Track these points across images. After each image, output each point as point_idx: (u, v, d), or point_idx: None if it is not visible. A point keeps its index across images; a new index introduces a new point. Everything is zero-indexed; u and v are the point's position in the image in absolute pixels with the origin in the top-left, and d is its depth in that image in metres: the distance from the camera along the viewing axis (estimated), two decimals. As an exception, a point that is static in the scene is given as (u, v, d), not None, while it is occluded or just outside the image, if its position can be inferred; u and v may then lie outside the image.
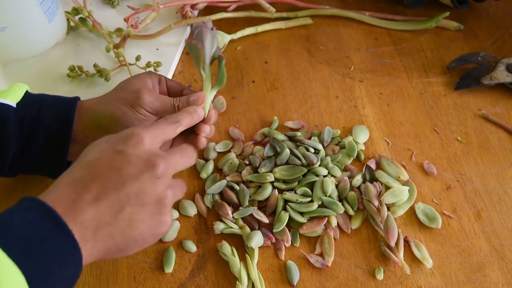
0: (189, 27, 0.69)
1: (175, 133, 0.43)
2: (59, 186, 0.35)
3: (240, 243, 0.48)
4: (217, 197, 0.52)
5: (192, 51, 0.49)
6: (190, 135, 0.49)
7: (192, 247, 0.48)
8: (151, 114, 0.47)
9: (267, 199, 0.50)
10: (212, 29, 0.49)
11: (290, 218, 0.49)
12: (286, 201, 0.50)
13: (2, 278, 0.28)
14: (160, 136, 0.41)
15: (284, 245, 0.48)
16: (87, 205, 0.34)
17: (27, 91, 0.47)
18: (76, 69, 0.61)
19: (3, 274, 0.28)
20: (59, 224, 0.32)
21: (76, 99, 0.48)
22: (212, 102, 0.60)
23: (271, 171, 0.51)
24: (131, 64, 0.61)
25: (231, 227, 0.49)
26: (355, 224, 0.49)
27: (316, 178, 0.51)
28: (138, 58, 0.62)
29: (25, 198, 0.34)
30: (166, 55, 0.65)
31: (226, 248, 0.47)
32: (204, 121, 0.48)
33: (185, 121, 0.44)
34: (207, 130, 0.48)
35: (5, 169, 0.45)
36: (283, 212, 0.49)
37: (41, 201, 0.33)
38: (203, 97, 0.47)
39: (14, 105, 0.45)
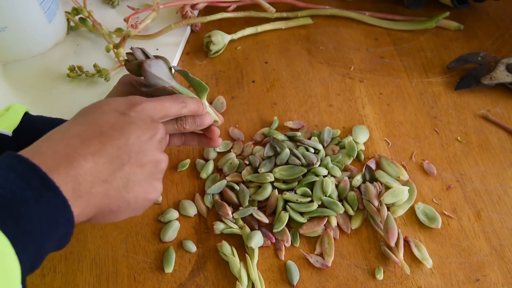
0: (189, 27, 0.69)
1: (178, 113, 0.42)
2: (51, 140, 0.33)
3: (240, 243, 0.48)
4: (217, 197, 0.52)
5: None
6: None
7: (192, 247, 0.48)
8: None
9: (267, 199, 0.50)
10: (148, 57, 0.45)
11: (290, 218, 0.49)
12: (286, 201, 0.50)
13: None
14: (162, 110, 0.40)
15: (284, 245, 0.48)
16: (83, 160, 0.33)
17: (25, 113, 0.46)
18: (76, 69, 0.61)
19: None
20: (45, 181, 0.30)
21: None
22: (211, 103, 0.60)
23: (271, 171, 0.51)
24: (131, 64, 0.61)
25: (231, 227, 0.49)
26: (355, 224, 0.49)
27: (316, 178, 0.51)
28: (138, 58, 0.62)
29: (7, 154, 0.31)
30: (166, 55, 0.65)
31: (226, 248, 0.47)
32: (214, 124, 0.48)
33: (191, 106, 0.43)
34: (217, 132, 0.48)
35: None
36: (283, 212, 0.49)
37: (24, 158, 0.31)
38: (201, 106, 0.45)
39: (10, 134, 0.44)
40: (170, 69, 0.46)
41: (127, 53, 0.45)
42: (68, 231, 0.32)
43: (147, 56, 0.45)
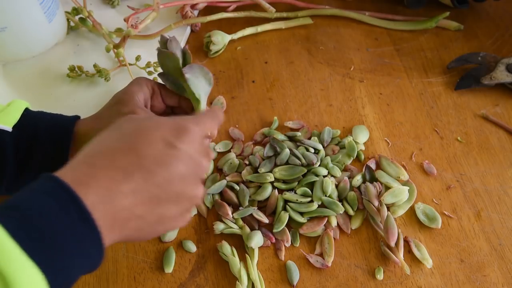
0: (189, 27, 0.69)
1: (215, 132, 0.42)
2: (94, 167, 0.32)
3: (240, 243, 0.48)
4: (217, 197, 0.52)
5: (167, 60, 0.49)
6: None
7: (192, 247, 0.48)
8: None
9: (267, 199, 0.50)
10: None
11: (290, 218, 0.49)
12: (286, 201, 0.50)
13: (19, 278, 0.25)
14: (206, 133, 0.40)
15: (284, 245, 0.48)
16: (124, 197, 0.32)
17: (26, 109, 0.46)
18: (76, 69, 0.61)
19: (19, 273, 0.26)
20: (84, 216, 0.29)
21: (74, 120, 0.47)
22: (211, 103, 0.60)
23: (271, 171, 0.51)
24: (131, 64, 0.61)
25: (231, 227, 0.49)
26: (355, 224, 0.49)
27: (316, 178, 0.51)
28: (138, 58, 0.62)
29: (48, 176, 0.30)
30: (166, 55, 0.65)
31: (226, 248, 0.47)
32: None
33: (220, 118, 0.44)
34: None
35: (2, 190, 0.45)
36: (283, 212, 0.49)
37: (67, 186, 0.30)
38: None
39: (10, 129, 0.44)
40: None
41: (162, 38, 0.48)
42: (98, 262, 0.31)
43: (183, 54, 0.49)
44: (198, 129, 0.37)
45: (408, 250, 0.48)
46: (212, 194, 0.52)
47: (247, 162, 0.54)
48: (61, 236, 0.28)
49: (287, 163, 0.52)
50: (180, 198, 0.35)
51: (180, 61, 0.49)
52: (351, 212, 0.50)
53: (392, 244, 0.47)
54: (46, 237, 0.27)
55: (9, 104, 0.46)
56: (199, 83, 0.48)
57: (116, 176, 0.32)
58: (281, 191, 0.51)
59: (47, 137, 0.45)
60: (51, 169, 0.42)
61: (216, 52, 0.66)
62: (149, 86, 0.50)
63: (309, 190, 0.50)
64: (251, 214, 0.49)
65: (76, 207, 0.29)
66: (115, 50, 0.61)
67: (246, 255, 0.47)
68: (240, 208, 0.50)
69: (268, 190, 0.50)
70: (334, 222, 0.49)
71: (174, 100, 0.51)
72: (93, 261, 0.31)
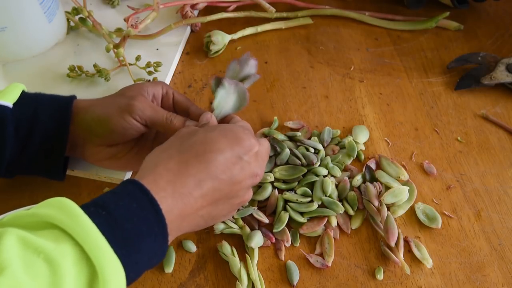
0: (189, 27, 0.69)
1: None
2: (169, 171, 0.36)
3: (240, 243, 0.48)
4: (217, 197, 0.51)
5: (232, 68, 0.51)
6: None
7: (192, 247, 0.48)
8: (138, 124, 0.45)
9: (267, 199, 0.50)
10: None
11: (290, 218, 0.49)
12: (286, 201, 0.50)
13: (107, 268, 0.30)
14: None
15: (284, 245, 0.48)
16: (194, 201, 0.36)
17: (23, 91, 0.47)
18: (76, 69, 0.61)
19: (107, 265, 0.30)
20: (160, 219, 0.34)
21: (72, 98, 0.47)
22: (211, 103, 0.60)
23: (271, 171, 0.51)
24: (131, 64, 0.61)
25: (231, 227, 0.49)
26: (355, 224, 0.49)
27: (316, 178, 0.51)
28: (138, 58, 0.62)
29: (129, 182, 0.35)
30: (166, 55, 0.65)
31: (226, 248, 0.47)
32: None
33: None
34: None
35: (2, 170, 0.45)
36: (283, 212, 0.49)
37: (147, 190, 0.34)
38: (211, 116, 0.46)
39: (11, 106, 0.45)
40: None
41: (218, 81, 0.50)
42: (159, 261, 0.36)
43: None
44: (262, 148, 0.42)
45: (408, 250, 0.48)
46: (212, 194, 0.52)
47: (247, 162, 0.53)
48: (139, 235, 0.32)
49: (287, 163, 0.52)
50: (236, 201, 0.41)
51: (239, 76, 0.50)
52: (351, 212, 0.50)
53: (392, 244, 0.47)
54: (127, 235, 0.32)
55: (7, 87, 0.46)
56: (227, 99, 0.48)
57: (189, 182, 0.36)
58: (281, 191, 0.51)
59: (47, 114, 0.45)
60: (50, 149, 0.45)
61: (216, 52, 0.66)
62: (164, 87, 0.50)
63: (309, 190, 0.50)
64: (251, 214, 0.49)
65: (153, 209, 0.34)
66: (115, 50, 0.61)
67: (246, 255, 0.47)
68: (240, 208, 0.50)
69: (268, 190, 0.50)
70: (334, 222, 0.49)
71: (184, 109, 0.50)
72: (157, 259, 0.35)
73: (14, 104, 0.45)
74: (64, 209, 0.31)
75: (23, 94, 0.46)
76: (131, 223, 0.32)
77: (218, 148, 0.38)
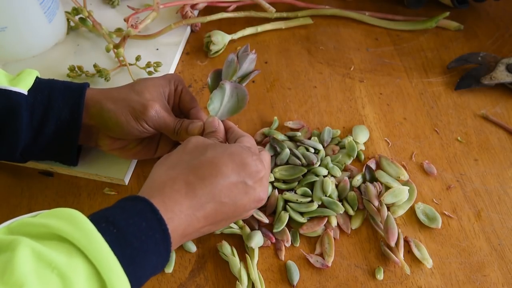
0: (189, 27, 0.69)
1: None
2: (179, 196, 0.37)
3: (240, 243, 0.48)
4: (217, 197, 0.51)
5: (228, 66, 0.49)
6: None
7: (192, 247, 0.48)
8: (150, 128, 0.47)
9: (267, 199, 0.50)
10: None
11: (290, 218, 0.49)
12: (286, 201, 0.50)
13: (116, 284, 0.31)
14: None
15: (284, 245, 0.48)
16: (197, 222, 0.38)
17: (37, 77, 0.47)
18: (76, 69, 0.61)
19: (116, 281, 0.31)
20: (165, 237, 0.35)
21: (85, 86, 0.48)
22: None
23: (271, 171, 0.51)
24: (131, 64, 0.61)
25: (231, 227, 0.49)
26: (355, 224, 0.49)
27: (316, 178, 0.51)
28: (138, 58, 0.62)
29: (139, 199, 0.36)
30: (166, 55, 0.65)
31: (226, 248, 0.47)
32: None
33: None
34: None
35: (17, 154, 0.46)
36: (283, 212, 0.49)
37: (156, 210, 0.35)
38: (201, 129, 0.47)
39: (26, 93, 0.45)
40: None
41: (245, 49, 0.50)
42: (159, 272, 0.37)
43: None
44: (267, 173, 0.43)
45: (408, 250, 0.48)
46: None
47: (247, 162, 0.53)
48: (146, 252, 0.34)
49: (287, 163, 0.52)
50: (236, 219, 0.43)
51: (236, 74, 0.49)
52: (351, 212, 0.50)
53: (392, 244, 0.47)
54: (135, 253, 0.33)
55: (19, 74, 0.47)
56: (225, 103, 0.48)
57: (194, 204, 0.38)
58: (281, 191, 0.51)
59: (61, 100, 0.46)
60: (64, 136, 0.46)
61: (216, 52, 0.66)
62: (175, 83, 0.50)
63: (309, 190, 0.50)
64: (251, 214, 0.49)
65: (160, 228, 0.35)
66: (115, 50, 0.61)
67: (246, 255, 0.47)
68: (240, 208, 0.50)
69: (268, 190, 0.50)
70: (334, 222, 0.49)
71: (187, 109, 0.51)
72: (157, 272, 0.37)
73: (28, 91, 0.45)
74: (76, 224, 0.32)
75: (37, 81, 0.47)
76: (139, 241, 0.33)
77: (223, 172, 0.39)
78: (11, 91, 0.44)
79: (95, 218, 0.33)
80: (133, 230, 0.34)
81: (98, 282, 0.31)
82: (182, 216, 0.37)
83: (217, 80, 0.49)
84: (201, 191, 0.38)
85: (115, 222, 0.33)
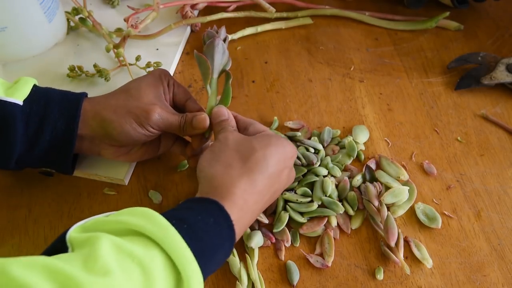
0: (189, 27, 0.69)
1: None
2: (239, 189, 0.40)
3: (240, 243, 0.48)
4: (217, 197, 0.51)
5: (200, 65, 0.49)
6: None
7: (192, 247, 0.48)
8: (158, 131, 0.47)
9: (267, 199, 0.50)
10: (224, 40, 0.49)
11: (290, 218, 0.49)
12: (286, 201, 0.50)
13: (191, 275, 0.33)
14: None
15: (284, 245, 0.48)
16: (251, 212, 0.41)
17: (34, 85, 0.47)
18: (76, 69, 0.61)
19: (192, 273, 0.33)
20: (231, 235, 0.38)
21: (82, 96, 0.47)
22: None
23: (271, 171, 0.51)
24: (131, 64, 0.61)
25: (231, 227, 0.49)
26: (355, 224, 0.49)
27: (316, 178, 0.51)
28: (138, 58, 0.62)
29: (207, 200, 0.39)
30: (166, 55, 0.65)
31: (226, 248, 0.47)
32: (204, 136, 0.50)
33: None
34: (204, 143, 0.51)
35: (11, 164, 0.46)
36: (283, 212, 0.49)
37: (222, 207, 0.38)
38: (206, 121, 0.47)
39: (21, 103, 0.45)
40: (227, 59, 0.50)
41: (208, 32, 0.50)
42: (222, 265, 0.40)
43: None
44: (296, 154, 0.47)
45: (408, 250, 0.48)
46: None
47: (247, 162, 0.53)
48: (214, 247, 0.36)
49: (287, 163, 0.52)
50: (279, 191, 0.46)
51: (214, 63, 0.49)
52: (351, 212, 0.50)
53: (392, 244, 0.47)
54: (205, 247, 0.35)
55: (16, 81, 0.46)
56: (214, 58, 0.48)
57: (255, 198, 0.41)
58: (281, 191, 0.51)
59: (57, 111, 0.46)
60: (60, 146, 0.46)
61: (216, 52, 0.66)
62: (166, 80, 0.50)
63: (309, 190, 0.50)
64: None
65: (226, 224, 0.38)
66: (115, 50, 0.61)
67: (246, 255, 0.47)
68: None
69: (268, 190, 0.50)
70: (334, 222, 0.49)
71: (182, 102, 0.51)
72: (220, 265, 0.39)
73: (24, 101, 0.45)
74: (150, 219, 0.34)
75: (34, 90, 0.46)
76: (208, 236, 0.36)
77: (273, 165, 0.42)
78: (5, 101, 0.43)
79: (166, 217, 0.35)
80: (201, 226, 0.36)
81: (174, 273, 0.33)
82: (245, 208, 0.40)
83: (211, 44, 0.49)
84: (262, 186, 0.41)
85: (184, 219, 0.36)
